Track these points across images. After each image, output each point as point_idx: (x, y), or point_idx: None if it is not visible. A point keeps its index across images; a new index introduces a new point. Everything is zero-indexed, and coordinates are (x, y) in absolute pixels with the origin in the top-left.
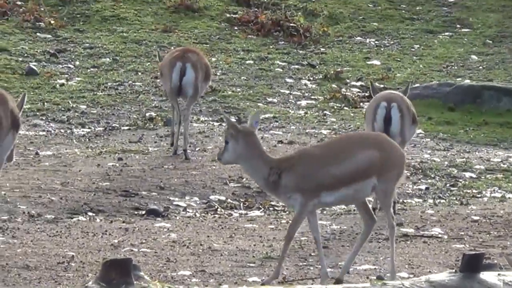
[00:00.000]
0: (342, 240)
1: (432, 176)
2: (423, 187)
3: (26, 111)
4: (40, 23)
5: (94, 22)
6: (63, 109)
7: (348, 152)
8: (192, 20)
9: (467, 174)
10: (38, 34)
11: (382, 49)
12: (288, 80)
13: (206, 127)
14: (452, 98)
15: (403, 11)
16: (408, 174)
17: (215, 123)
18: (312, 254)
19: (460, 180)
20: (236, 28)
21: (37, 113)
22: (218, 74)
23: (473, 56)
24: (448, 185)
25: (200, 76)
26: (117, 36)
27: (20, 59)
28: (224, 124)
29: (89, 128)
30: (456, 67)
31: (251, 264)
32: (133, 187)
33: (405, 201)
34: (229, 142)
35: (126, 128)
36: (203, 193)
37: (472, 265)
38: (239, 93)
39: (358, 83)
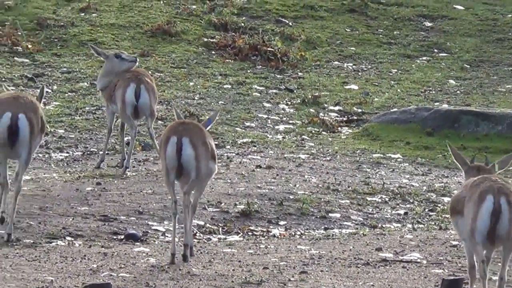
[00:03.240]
0: (320, 265)
1: (411, 201)
2: (401, 211)
3: None
4: (17, 47)
5: (72, 47)
6: None
7: None
8: (169, 44)
9: (446, 199)
10: (15, 58)
11: (360, 73)
12: (266, 104)
13: None
14: (430, 122)
15: (380, 36)
16: (387, 198)
17: None
18: (291, 279)
19: (439, 205)
20: (213, 52)
21: None
22: (196, 98)
23: (451, 81)
24: (427, 210)
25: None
26: (94, 60)
27: None
28: None
29: (67, 152)
30: (434, 92)
31: None
32: (112, 212)
33: (384, 225)
34: None
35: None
36: (181, 218)
37: None
38: (217, 118)
39: (336, 108)
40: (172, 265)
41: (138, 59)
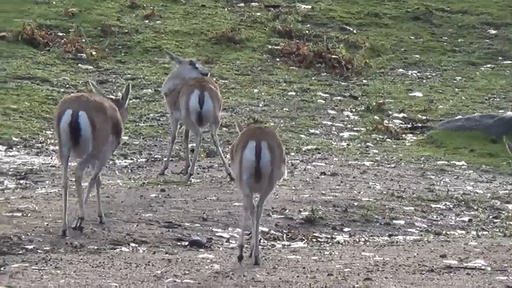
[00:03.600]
0: (385, 272)
1: (475, 208)
2: (466, 218)
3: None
4: (81, 54)
5: (136, 53)
6: None
7: None
8: (234, 52)
9: (510, 206)
10: (79, 65)
11: (424, 81)
12: (330, 111)
13: None
14: (495, 130)
15: (445, 43)
16: (451, 205)
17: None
18: (356, 285)
19: (503, 212)
20: (278, 59)
21: None
22: (260, 105)
23: None
24: (491, 216)
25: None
26: (158, 67)
27: (62, 90)
28: None
29: (132, 159)
30: (498, 99)
31: None
32: (176, 218)
33: (448, 232)
34: None
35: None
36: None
37: None
38: (282, 125)
39: (401, 115)
40: (236, 271)
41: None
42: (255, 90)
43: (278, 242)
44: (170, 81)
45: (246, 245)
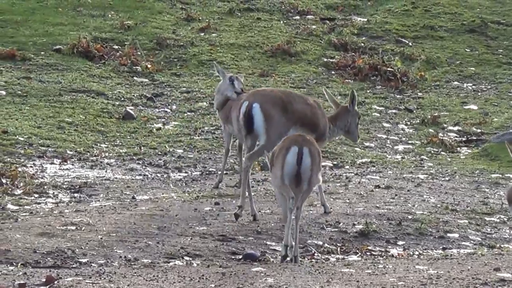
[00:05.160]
0: (439, 285)
1: None
2: None
3: (122, 155)
4: (136, 67)
5: (191, 66)
6: (159, 153)
7: None
8: (289, 64)
9: None
10: (135, 78)
11: (479, 93)
12: (385, 124)
13: None
14: None
15: (500, 56)
16: (505, 219)
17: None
18: None
19: None
20: (333, 72)
21: (134, 157)
22: None
23: None
24: None
25: None
26: (214, 80)
27: (117, 103)
28: None
29: (186, 172)
30: None
31: None
32: (230, 232)
33: (502, 246)
34: None
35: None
36: (299, 237)
37: None
38: (337, 138)
39: (455, 128)
40: (290, 284)
41: (241, 94)
42: None
43: (332, 255)
44: (216, 94)
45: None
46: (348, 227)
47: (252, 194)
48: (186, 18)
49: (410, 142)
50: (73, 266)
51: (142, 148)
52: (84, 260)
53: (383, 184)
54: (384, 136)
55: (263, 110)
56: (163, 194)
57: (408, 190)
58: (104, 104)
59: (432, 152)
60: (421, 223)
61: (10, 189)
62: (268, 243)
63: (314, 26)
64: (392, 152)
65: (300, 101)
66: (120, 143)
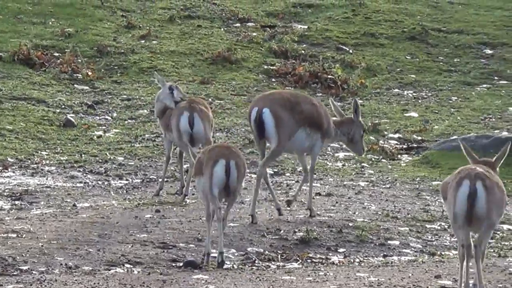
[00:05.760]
0: None
1: None
2: None
3: (63, 163)
4: (77, 75)
5: (132, 74)
6: (100, 160)
7: None
8: (230, 72)
9: (505, 227)
10: (75, 85)
11: (420, 101)
12: None
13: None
14: (491, 150)
15: (440, 63)
16: (446, 226)
17: (253, 176)
18: None
19: (498, 232)
20: (274, 79)
21: (75, 165)
22: None
23: (511, 108)
24: None
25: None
26: (154, 87)
27: (58, 110)
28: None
29: (127, 180)
30: (494, 119)
31: None
32: (171, 239)
33: (443, 253)
34: None
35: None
36: (240, 245)
37: None
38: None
39: (396, 135)
40: None
41: (178, 104)
42: None
43: (273, 262)
44: (156, 103)
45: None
46: (289, 235)
47: (193, 201)
48: (126, 26)
49: None
50: (14, 273)
51: (83, 155)
52: (25, 268)
53: (324, 191)
54: None
55: (273, 114)
56: (104, 201)
57: (349, 198)
58: (45, 111)
59: (373, 159)
60: (362, 230)
61: None
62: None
63: (254, 34)
64: (333, 159)
65: (306, 102)
66: (61, 151)
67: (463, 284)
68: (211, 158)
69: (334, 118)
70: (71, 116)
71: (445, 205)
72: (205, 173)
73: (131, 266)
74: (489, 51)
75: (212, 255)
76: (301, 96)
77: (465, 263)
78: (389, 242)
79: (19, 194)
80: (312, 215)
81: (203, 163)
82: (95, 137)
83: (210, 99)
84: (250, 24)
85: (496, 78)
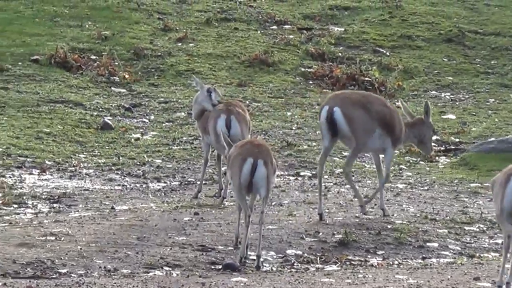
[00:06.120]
0: None
1: None
2: (499, 241)
3: (101, 166)
4: (114, 78)
5: (169, 77)
6: (138, 163)
7: None
8: (266, 74)
9: None
10: (112, 88)
11: (457, 103)
12: None
13: (282, 182)
14: None
15: (478, 65)
16: (485, 228)
17: (291, 178)
18: None
19: None
20: (311, 82)
21: (112, 168)
22: (293, 128)
23: None
24: None
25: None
26: (191, 90)
27: (95, 113)
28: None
29: (165, 182)
30: None
31: None
32: (210, 242)
33: (481, 255)
34: None
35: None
36: (279, 247)
37: None
38: (315, 147)
39: (434, 137)
40: None
41: (216, 107)
42: (288, 113)
43: (311, 265)
44: (194, 105)
45: None
46: (328, 237)
47: (231, 204)
48: (163, 28)
49: None
50: (53, 276)
51: (120, 158)
52: (63, 271)
53: (362, 193)
54: None
55: (344, 113)
56: (142, 204)
57: (387, 200)
58: (82, 114)
59: (411, 161)
60: (400, 232)
61: None
62: (248, 253)
63: (291, 36)
64: (371, 161)
65: (378, 103)
66: (99, 153)
67: (504, 276)
68: (240, 154)
69: (405, 120)
70: (109, 119)
71: (493, 199)
72: (233, 170)
73: (170, 269)
74: None
75: (252, 257)
76: (373, 97)
77: (508, 255)
78: (427, 244)
79: (57, 197)
80: (385, 215)
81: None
82: (132, 139)
83: (247, 102)
84: (287, 26)
85: None
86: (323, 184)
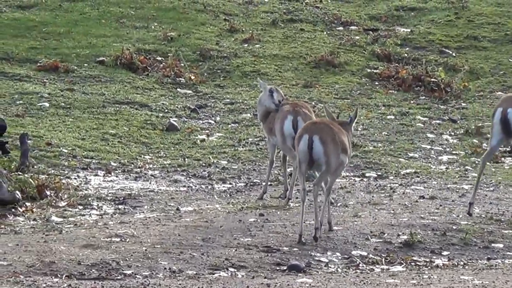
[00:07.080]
0: None
1: None
2: None
3: (166, 167)
4: (180, 79)
5: (235, 78)
6: (204, 164)
7: None
8: (332, 75)
9: None
10: (178, 89)
11: None
12: (429, 135)
13: (347, 182)
14: None
15: None
16: None
17: (357, 179)
18: None
19: None
20: (377, 83)
21: (178, 169)
22: (359, 129)
23: None
24: None
25: None
26: (257, 91)
27: (161, 114)
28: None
29: (230, 183)
30: None
31: None
32: (275, 243)
33: None
34: None
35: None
36: (344, 248)
37: None
38: (380, 148)
39: None
40: None
41: (282, 108)
42: None
43: (377, 266)
44: (258, 107)
45: None
46: (393, 238)
47: (296, 205)
48: (229, 30)
49: (454, 152)
50: (118, 278)
51: (186, 159)
52: (128, 272)
53: (428, 194)
54: (428, 147)
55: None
56: (207, 205)
57: (452, 201)
58: (148, 115)
59: (477, 162)
60: (465, 233)
61: (54, 201)
62: (312, 254)
63: (357, 37)
64: (437, 162)
65: None
66: (164, 155)
67: None
68: (297, 133)
69: None
70: (174, 120)
71: None
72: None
73: (235, 270)
74: None
75: (317, 258)
76: None
77: None
78: (493, 245)
79: (122, 198)
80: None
81: None
82: (198, 141)
83: (313, 103)
84: (352, 27)
85: None
86: (388, 185)
